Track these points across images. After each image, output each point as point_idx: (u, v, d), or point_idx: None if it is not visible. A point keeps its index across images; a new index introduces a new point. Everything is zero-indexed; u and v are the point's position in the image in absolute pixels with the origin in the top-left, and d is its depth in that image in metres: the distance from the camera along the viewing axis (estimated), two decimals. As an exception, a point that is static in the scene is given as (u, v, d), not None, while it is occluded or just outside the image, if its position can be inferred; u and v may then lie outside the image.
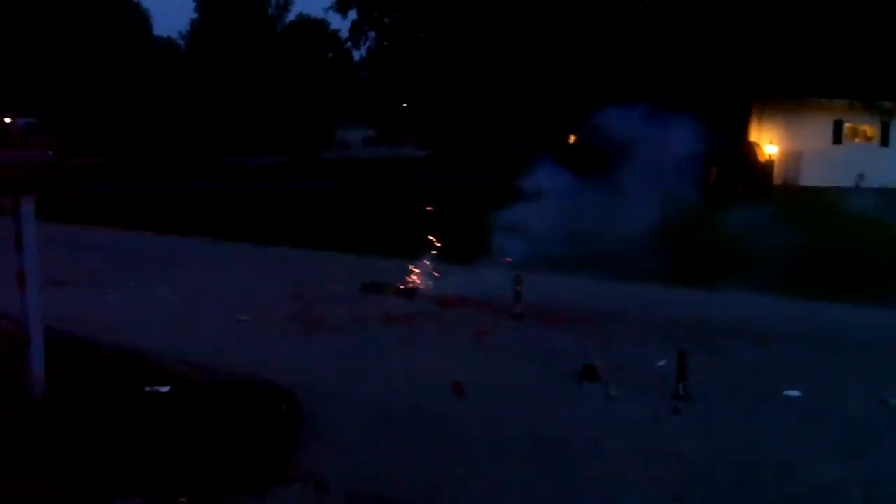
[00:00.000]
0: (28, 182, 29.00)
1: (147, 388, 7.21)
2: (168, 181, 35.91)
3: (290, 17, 77.42)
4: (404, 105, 43.05)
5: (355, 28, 45.30)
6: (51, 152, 52.78)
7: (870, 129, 37.46)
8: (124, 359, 8.23)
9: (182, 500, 5.17)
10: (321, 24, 71.40)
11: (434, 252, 12.07)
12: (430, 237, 12.06)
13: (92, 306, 10.98)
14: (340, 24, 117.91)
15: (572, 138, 34.98)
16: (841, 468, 5.83)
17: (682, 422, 6.67)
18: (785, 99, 34.51)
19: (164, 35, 76.40)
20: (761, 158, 33.68)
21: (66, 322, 9.09)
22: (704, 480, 5.58)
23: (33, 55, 49.14)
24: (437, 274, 12.05)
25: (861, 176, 34.36)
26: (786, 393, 7.37)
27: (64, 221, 19.94)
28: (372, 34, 45.72)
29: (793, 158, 34.68)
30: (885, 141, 37.43)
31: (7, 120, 59.62)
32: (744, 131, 34.76)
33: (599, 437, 6.34)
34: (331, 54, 70.77)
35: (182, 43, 75.93)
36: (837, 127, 36.59)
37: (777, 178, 33.68)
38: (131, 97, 52.90)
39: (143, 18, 68.71)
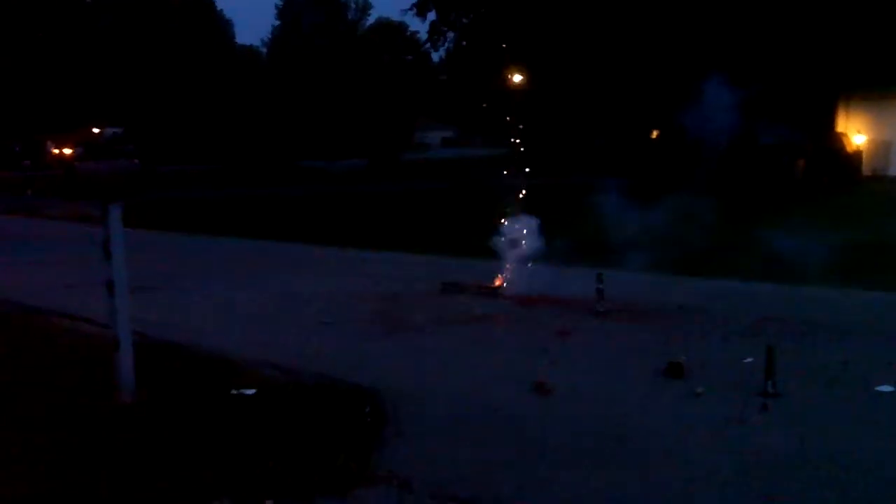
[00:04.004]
0: (115, 190, 29.60)
1: (233, 391, 7.31)
2: (252, 186, 36.36)
3: (370, 20, 78.03)
4: (483, 105, 43.07)
5: (434, 29, 45.42)
6: (136, 161, 53.85)
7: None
8: (210, 362, 8.36)
9: (268, 501, 5.22)
10: (400, 27, 71.76)
11: (514, 251, 12.01)
12: (510, 236, 11.99)
13: (178, 311, 11.19)
14: (419, 27, 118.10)
15: (655, 133, 34.68)
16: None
17: (771, 419, 6.54)
18: (872, 88, 33.70)
19: (247, 43, 77.59)
20: (848, 149, 33.00)
21: (153, 326, 9.28)
22: (795, 478, 5.46)
23: (119, 65, 50.14)
24: (518, 273, 11.99)
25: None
26: (878, 388, 7.19)
27: (149, 228, 20.34)
28: (450, 35, 45.83)
29: (881, 148, 33.85)
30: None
31: (95, 130, 61.01)
32: (831, 122, 34.05)
33: (685, 436, 6.24)
34: (410, 57, 71.00)
35: (264, 50, 76.92)
36: (928, 116, 35.63)
37: (865, 169, 32.94)
38: (215, 105, 53.68)
39: (226, 27, 69.75)
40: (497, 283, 11.90)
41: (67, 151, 53.19)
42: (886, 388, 7.18)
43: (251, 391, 7.33)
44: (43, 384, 7.58)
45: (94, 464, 5.72)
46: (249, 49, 75.23)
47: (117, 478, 5.51)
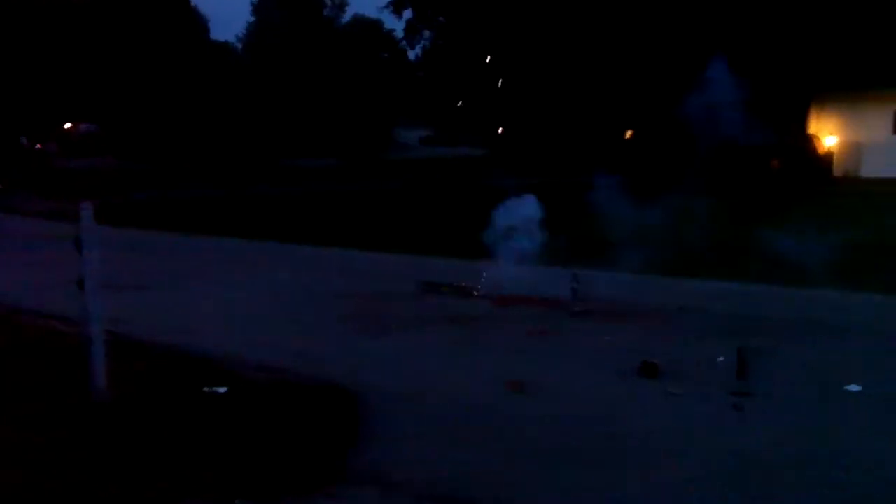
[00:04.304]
0: (89, 188, 29.39)
1: (206, 389, 7.28)
2: (228, 185, 36.21)
3: (346, 18, 77.79)
4: (460, 104, 43.14)
5: (410, 28, 45.45)
6: (111, 157, 53.44)
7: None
8: (185, 360, 8.33)
9: (237, 501, 5.20)
10: (376, 25, 71.58)
11: (493, 251, 12.02)
12: (488, 236, 12.00)
13: (153, 308, 11.14)
14: (395, 25, 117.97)
15: (628, 133, 34.79)
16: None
17: (745, 418, 6.59)
18: (844, 90, 33.94)
19: (221, 39, 77.07)
20: (820, 150, 33.25)
21: (126, 324, 9.23)
22: (769, 475, 5.51)
23: (92, 61, 49.75)
24: (496, 273, 12.01)
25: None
26: (846, 388, 7.26)
27: (123, 225, 20.23)
28: (427, 33, 45.83)
29: (853, 150, 34.09)
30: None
31: (68, 125, 60.51)
32: (803, 123, 34.28)
33: (660, 434, 6.29)
34: (386, 54, 70.86)
35: (239, 46, 76.55)
36: (898, 117, 35.88)
37: (837, 170, 33.20)
38: (190, 102, 53.39)
39: (201, 23, 69.35)
40: (476, 283, 11.91)
41: (42, 147, 52.79)
42: (854, 388, 7.25)
43: (223, 389, 7.31)
44: (11, 383, 7.53)
45: (58, 463, 5.69)
46: (224, 46, 74.85)
47: (81, 477, 5.48)
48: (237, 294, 12.13)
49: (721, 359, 7.98)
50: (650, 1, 31.55)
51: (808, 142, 33.08)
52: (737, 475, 5.53)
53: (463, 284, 11.89)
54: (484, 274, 11.94)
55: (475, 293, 11.68)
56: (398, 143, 78.13)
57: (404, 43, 49.97)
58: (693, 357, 8.35)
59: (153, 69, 51.83)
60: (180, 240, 19.86)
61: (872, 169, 32.90)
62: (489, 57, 32.39)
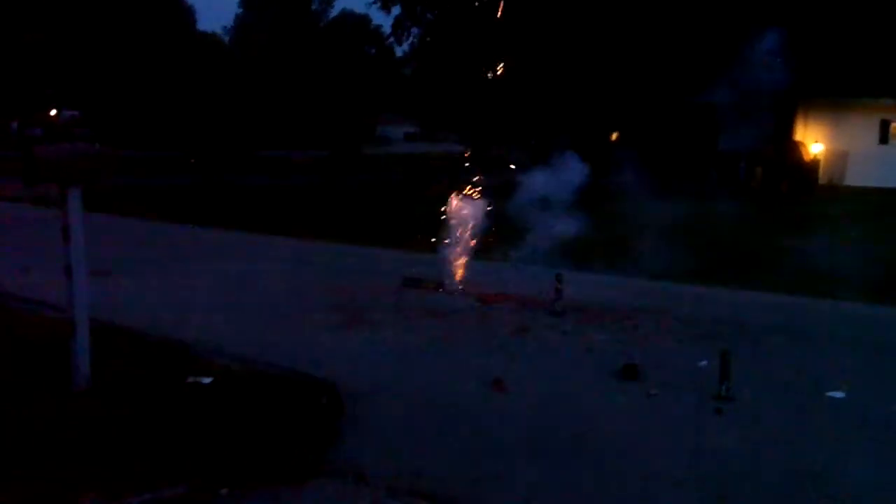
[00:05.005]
0: (75, 173, 29.17)
1: (189, 380, 7.27)
2: (210, 175, 36.06)
3: (334, 12, 77.85)
4: (445, 101, 43.07)
5: (398, 24, 45.27)
6: (97, 144, 53.17)
7: (917, 129, 36.91)
8: (168, 349, 8.30)
9: (223, 490, 5.21)
10: (364, 20, 71.60)
11: (476, 248, 12.03)
12: (471, 233, 12.00)
13: (136, 297, 11.09)
14: (382, 20, 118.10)
15: (614, 136, 34.83)
16: (883, 471, 5.78)
17: (725, 422, 6.62)
18: (831, 98, 34.12)
19: (208, 30, 76.93)
20: (806, 158, 33.39)
21: (110, 312, 9.18)
22: (747, 481, 5.54)
23: (76, 47, 49.54)
24: (478, 270, 12.02)
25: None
26: (829, 394, 7.30)
27: (106, 212, 20.10)
28: (415, 30, 45.71)
29: (838, 158, 34.29)
30: (932, 141, 36.89)
31: (52, 112, 60.22)
32: (789, 131, 34.44)
33: (640, 436, 6.32)
34: (373, 50, 70.87)
35: (226, 38, 76.52)
36: (884, 127, 36.06)
37: (822, 178, 33.37)
38: (174, 91, 53.25)
39: (187, 13, 69.14)
40: (457, 279, 11.91)
41: (28, 133, 52.40)
42: (838, 395, 7.30)
43: (207, 380, 7.29)
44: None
45: (40, 451, 5.67)
46: (211, 36, 74.70)
47: (63, 465, 5.47)
48: (219, 284, 12.08)
49: (703, 362, 8.01)
50: (639, 7, 31.62)
51: (794, 149, 33.22)
52: (709, 478, 5.57)
53: (445, 281, 11.89)
54: (466, 271, 11.94)
55: (457, 290, 11.68)
56: (382, 137, 78.20)
57: (392, 40, 49.74)
58: (675, 360, 8.39)
59: (138, 57, 51.66)
60: (162, 228, 19.75)
61: (858, 178, 33.13)
62: (479, 58, 32.42)
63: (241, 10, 76.06)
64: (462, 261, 11.98)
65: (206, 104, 53.97)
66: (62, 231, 6.90)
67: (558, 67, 32.10)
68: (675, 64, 29.16)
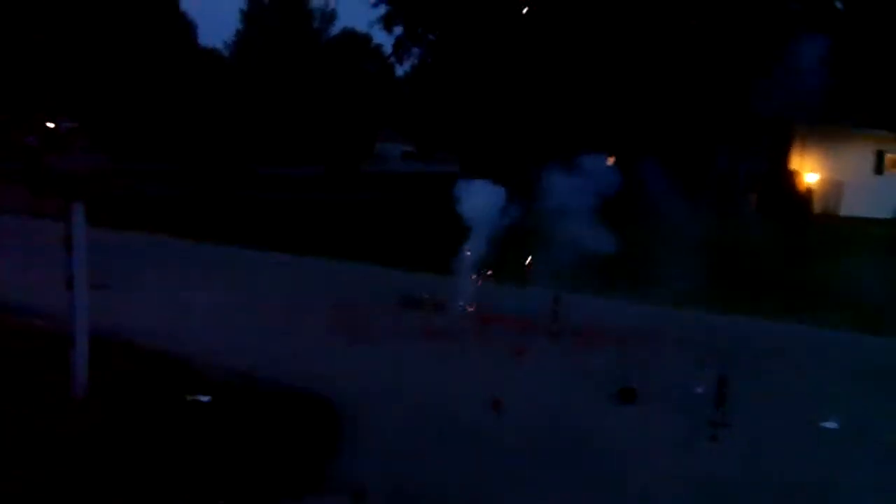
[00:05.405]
0: (87, 187, 29.16)
1: (188, 397, 7.26)
2: (208, 189, 36.08)
3: (335, 30, 77.99)
4: (445, 122, 43.19)
5: (399, 44, 45.40)
6: (102, 156, 53.02)
7: (913, 160, 37.10)
8: (166, 363, 8.31)
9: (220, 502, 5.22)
10: (364, 39, 71.76)
11: (475, 268, 12.05)
12: (470, 253, 12.02)
13: (135, 310, 11.09)
14: (383, 39, 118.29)
15: (611, 160, 34.91)
16: (877, 498, 5.81)
17: (720, 448, 6.66)
18: (827, 128, 34.28)
19: (209, 45, 77.04)
20: (801, 187, 33.51)
21: (108, 325, 9.18)
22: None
23: (77, 60, 49.58)
24: (477, 290, 12.03)
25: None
26: (823, 424, 7.34)
27: (105, 226, 20.09)
28: (416, 50, 45.87)
29: (833, 188, 34.42)
30: (928, 172, 37.06)
31: (51, 125, 60.17)
32: (785, 159, 34.57)
33: (636, 460, 6.35)
34: (373, 68, 71.02)
35: (226, 53, 76.58)
36: (879, 157, 36.28)
37: (817, 208, 33.48)
38: (173, 105, 53.31)
39: (189, 28, 69.26)
40: (455, 298, 11.92)
41: (29, 144, 52.36)
42: (831, 425, 7.33)
43: (206, 398, 7.30)
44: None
45: (37, 465, 5.68)
46: (212, 51, 74.81)
47: (63, 479, 5.48)
48: (218, 299, 12.07)
49: (700, 389, 8.03)
50: (637, 30, 31.77)
51: (788, 177, 33.36)
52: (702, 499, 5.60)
53: (443, 300, 11.90)
54: (465, 291, 11.95)
55: (455, 309, 11.69)
56: (380, 156, 78.30)
57: (392, 59, 49.86)
58: (673, 384, 8.41)
59: (139, 71, 51.72)
60: (161, 242, 19.74)
61: (853, 208, 33.24)
62: (476, 78, 32.57)
63: (241, 25, 76.21)
64: (463, 281, 12.00)
65: (206, 118, 54.01)
66: (64, 242, 6.91)
67: (560, 88, 32.25)
68: (676, 93, 29.33)
